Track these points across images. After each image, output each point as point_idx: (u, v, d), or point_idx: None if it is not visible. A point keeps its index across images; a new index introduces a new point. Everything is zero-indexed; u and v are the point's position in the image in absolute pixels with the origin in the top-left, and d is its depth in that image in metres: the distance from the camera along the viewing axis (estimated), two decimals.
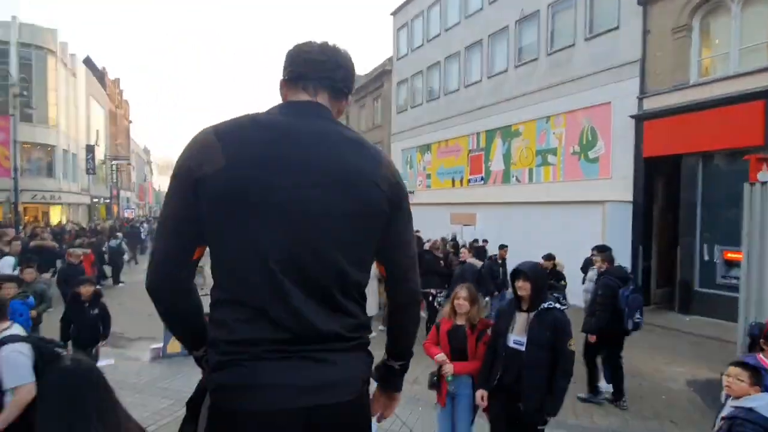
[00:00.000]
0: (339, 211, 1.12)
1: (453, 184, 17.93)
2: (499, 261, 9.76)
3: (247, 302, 1.07)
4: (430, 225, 15.02)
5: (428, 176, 19.57)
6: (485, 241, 12.78)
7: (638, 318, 5.38)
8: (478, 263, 7.96)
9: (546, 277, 3.13)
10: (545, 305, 3.04)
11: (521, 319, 3.11)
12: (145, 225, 26.20)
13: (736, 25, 9.44)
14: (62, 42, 26.75)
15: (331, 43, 1.27)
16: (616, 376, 5.48)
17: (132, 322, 8.53)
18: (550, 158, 13.55)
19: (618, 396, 5.43)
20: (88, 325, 5.34)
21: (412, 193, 20.31)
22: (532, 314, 3.05)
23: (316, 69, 1.22)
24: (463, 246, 10.85)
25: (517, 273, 3.13)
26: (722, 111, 9.27)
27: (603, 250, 6.38)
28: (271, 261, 1.06)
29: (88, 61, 36.36)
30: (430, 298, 7.92)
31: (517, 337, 3.07)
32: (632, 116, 11.02)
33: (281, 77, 1.28)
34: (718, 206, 9.56)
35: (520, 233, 12.59)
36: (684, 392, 5.90)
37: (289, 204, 1.07)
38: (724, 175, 9.57)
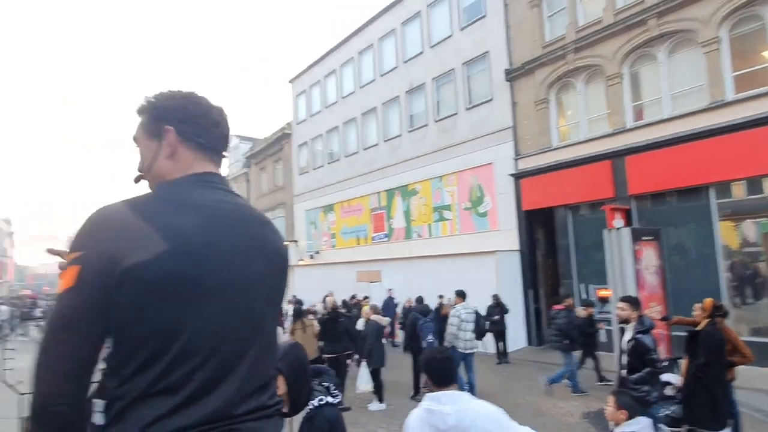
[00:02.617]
0: (267, 286, 1.16)
1: (358, 242, 18.20)
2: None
3: (184, 390, 0.97)
4: (336, 284, 14.90)
5: (333, 236, 19.66)
6: (366, 297, 12.86)
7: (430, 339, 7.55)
8: (383, 320, 8.10)
9: (307, 369, 2.14)
10: (312, 405, 2.29)
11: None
12: (3, 308, 22.14)
13: (582, 99, 11.41)
14: None
15: (216, 104, 1.25)
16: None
17: None
18: (446, 214, 14.55)
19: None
20: None
21: (318, 252, 20.14)
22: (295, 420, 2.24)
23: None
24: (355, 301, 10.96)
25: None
26: (580, 170, 10.92)
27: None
28: (218, 345, 1.03)
29: None
30: (348, 361, 7.92)
31: None
32: (511, 174, 12.44)
33: (173, 131, 1.15)
34: (588, 250, 10.96)
35: (424, 285, 13.04)
36: (581, 425, 6.34)
37: (228, 284, 1.06)
38: (589, 222, 11.08)
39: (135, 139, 1.23)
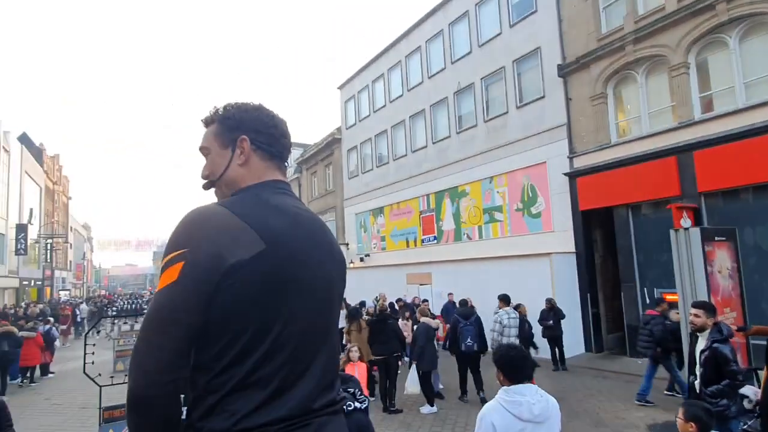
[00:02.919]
0: (337, 287, 1.25)
1: (407, 245, 18.21)
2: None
3: (272, 385, 1.02)
4: (386, 286, 14.97)
5: (383, 238, 19.80)
6: (425, 301, 12.66)
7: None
8: (433, 323, 8.05)
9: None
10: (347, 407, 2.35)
11: None
12: (83, 306, 24.21)
13: (643, 92, 10.77)
14: None
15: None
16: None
17: (63, 420, 7.65)
18: (497, 215, 14.22)
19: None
20: None
21: (368, 255, 20.36)
22: None
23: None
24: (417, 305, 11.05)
25: None
26: (642, 166, 10.30)
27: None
28: (304, 340, 1.11)
29: (24, 138, 34.99)
30: (399, 362, 8.03)
31: None
32: (565, 174, 11.96)
33: (246, 139, 1.22)
34: (652, 251, 10.31)
35: (474, 288, 12.82)
36: None
37: (318, 280, 1.15)
38: (653, 222, 10.42)
39: (204, 148, 1.27)
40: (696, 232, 6.61)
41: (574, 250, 11.73)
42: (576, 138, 11.98)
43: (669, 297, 9.59)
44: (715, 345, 3.98)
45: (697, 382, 4.16)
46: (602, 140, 11.31)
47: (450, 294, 12.77)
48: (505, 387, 2.54)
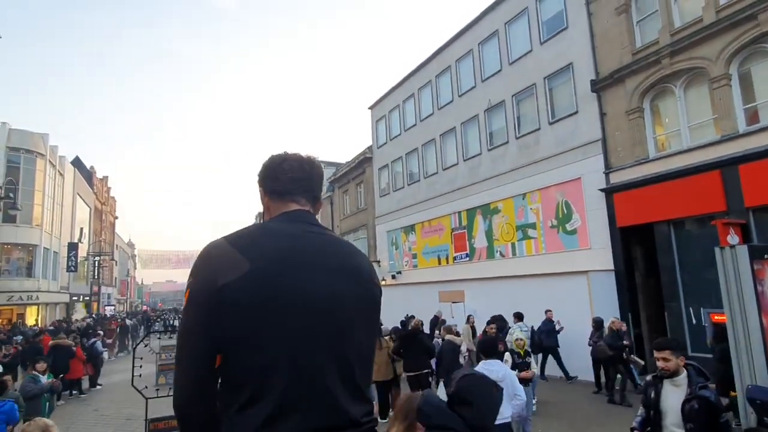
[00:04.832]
0: (357, 308, 1.22)
1: (439, 263, 18.12)
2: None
3: (274, 402, 1.07)
4: (418, 304, 14.92)
5: (414, 256, 19.79)
6: (470, 316, 12.53)
7: None
8: (458, 339, 8.03)
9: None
10: None
11: None
12: (128, 321, 25.24)
13: (681, 105, 10.48)
14: (53, 145, 27.69)
15: (305, 154, 1.41)
16: None
17: (110, 431, 7.97)
18: (531, 232, 13.99)
19: None
20: None
21: (400, 273, 20.36)
22: None
23: (300, 186, 1.36)
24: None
25: None
26: (684, 181, 9.95)
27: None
28: (302, 356, 1.10)
29: (77, 162, 37.33)
30: (430, 379, 7.90)
31: None
32: (601, 189, 11.69)
33: (262, 189, 1.40)
34: (697, 269, 9.86)
35: (508, 306, 12.60)
36: None
37: (313, 298, 1.14)
38: (696, 238, 10.00)
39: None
40: (743, 249, 6.30)
41: (612, 267, 11.37)
42: (612, 153, 11.73)
43: (717, 317, 9.13)
44: (703, 392, 3.19)
45: None
46: (640, 155, 11.02)
47: (549, 311, 11.47)
48: (483, 360, 4.87)
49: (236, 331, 1.09)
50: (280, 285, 1.11)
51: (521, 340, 7.09)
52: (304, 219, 1.31)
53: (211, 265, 1.13)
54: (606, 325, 9.65)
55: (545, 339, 11.09)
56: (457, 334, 9.30)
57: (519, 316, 10.43)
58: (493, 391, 1.65)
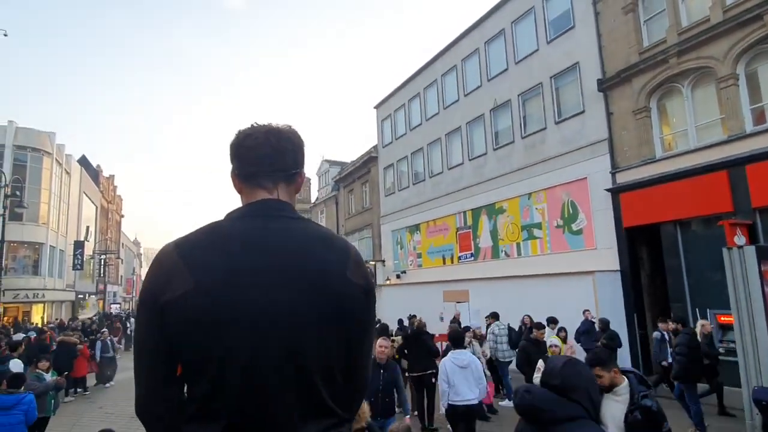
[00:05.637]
0: (317, 308, 1.07)
1: (444, 262, 18.13)
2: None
3: (223, 416, 1.02)
4: (423, 304, 14.94)
5: (419, 255, 19.80)
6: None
7: None
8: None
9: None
10: None
11: None
12: (133, 319, 25.35)
13: (689, 104, 10.44)
14: (59, 144, 27.89)
15: (275, 124, 1.22)
16: None
17: (115, 429, 8.03)
18: (536, 232, 13.97)
19: None
20: None
21: (405, 272, 20.38)
22: None
23: (266, 164, 1.18)
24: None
25: None
26: (691, 181, 9.91)
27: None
28: (251, 376, 1.02)
29: (83, 160, 37.58)
30: (433, 380, 7.86)
31: None
32: (608, 189, 11.66)
33: (233, 168, 1.22)
34: (703, 270, 9.82)
35: (512, 306, 12.60)
36: None
37: (264, 313, 1.02)
38: (703, 239, 9.96)
39: None
40: (751, 250, 6.29)
41: (618, 268, 11.34)
42: (618, 153, 11.69)
43: (723, 318, 9.10)
44: (645, 402, 3.02)
45: None
46: (646, 154, 10.99)
47: (587, 311, 10.88)
48: (452, 350, 6.01)
49: (180, 346, 1.04)
50: (225, 302, 1.01)
51: (557, 347, 7.00)
52: (267, 212, 1.15)
53: (157, 277, 1.07)
54: (697, 329, 8.10)
55: (584, 341, 10.05)
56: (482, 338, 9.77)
57: (495, 316, 10.41)
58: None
